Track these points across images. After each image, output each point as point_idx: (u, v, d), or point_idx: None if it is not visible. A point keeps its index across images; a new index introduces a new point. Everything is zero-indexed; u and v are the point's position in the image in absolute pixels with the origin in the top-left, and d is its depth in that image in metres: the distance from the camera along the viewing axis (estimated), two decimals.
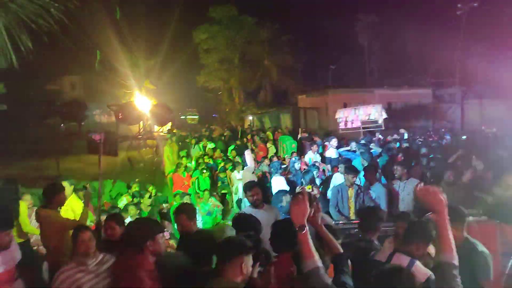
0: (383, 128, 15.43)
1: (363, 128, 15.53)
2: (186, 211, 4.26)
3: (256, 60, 34.67)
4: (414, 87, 26.65)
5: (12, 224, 4.22)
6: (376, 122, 15.35)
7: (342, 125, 16.45)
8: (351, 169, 7.40)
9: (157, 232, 3.27)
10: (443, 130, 17.76)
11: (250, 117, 33.17)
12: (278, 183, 9.22)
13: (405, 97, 25.68)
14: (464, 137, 16.18)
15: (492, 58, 24.46)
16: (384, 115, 15.29)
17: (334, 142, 12.88)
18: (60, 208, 5.46)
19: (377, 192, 7.10)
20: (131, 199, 9.13)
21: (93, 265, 3.84)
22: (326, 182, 9.35)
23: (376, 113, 15.42)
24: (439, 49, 27.97)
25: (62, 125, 4.74)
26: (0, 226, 3.99)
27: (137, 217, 7.31)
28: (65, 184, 6.84)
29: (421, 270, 3.08)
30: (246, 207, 6.07)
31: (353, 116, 16.00)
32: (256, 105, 35.00)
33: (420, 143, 13.28)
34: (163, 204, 9.28)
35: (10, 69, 9.24)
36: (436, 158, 10.34)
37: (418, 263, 3.17)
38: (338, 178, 8.60)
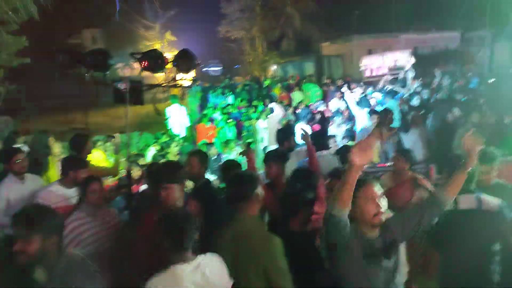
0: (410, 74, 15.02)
1: (390, 75, 15.14)
2: (199, 155, 4.41)
3: (278, 7, 33.71)
4: (442, 31, 25.62)
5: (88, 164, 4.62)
6: (403, 68, 14.91)
7: (367, 73, 16.08)
8: (372, 111, 7.43)
9: (169, 182, 3.32)
10: (470, 74, 17.10)
11: (274, 67, 32.69)
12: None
13: (432, 41, 24.77)
14: (491, 80, 15.62)
15: None
16: (412, 61, 14.84)
17: (358, 90, 12.69)
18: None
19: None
20: (159, 149, 9.27)
21: (102, 215, 3.99)
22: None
23: (403, 59, 14.98)
24: None
25: (86, 74, 4.70)
26: (78, 165, 4.41)
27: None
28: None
29: None
30: None
31: (380, 63, 15.58)
32: (279, 54, 34.36)
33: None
34: None
35: (31, 22, 9.24)
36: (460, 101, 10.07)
37: None
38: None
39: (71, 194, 4.28)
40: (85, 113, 14.27)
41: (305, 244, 3.12)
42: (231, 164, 4.46)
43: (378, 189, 2.68)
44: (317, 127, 9.62)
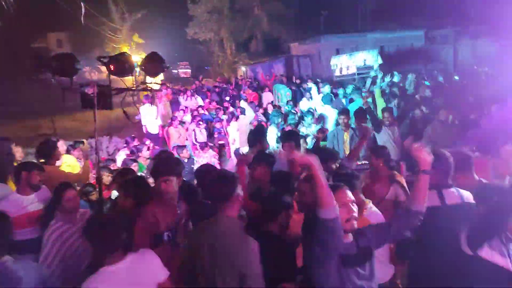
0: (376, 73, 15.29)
1: (359, 74, 15.37)
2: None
3: (246, 9, 33.77)
4: (407, 30, 26.17)
5: (42, 167, 4.49)
6: (371, 67, 15.13)
7: (337, 72, 16.26)
8: (342, 111, 7.51)
9: (169, 174, 3.47)
10: (435, 71, 17.60)
11: (243, 68, 32.74)
12: (273, 133, 9.26)
13: (398, 40, 25.31)
14: (456, 77, 16.09)
15: None
16: (380, 61, 15.09)
17: (326, 88, 12.81)
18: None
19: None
20: (129, 153, 9.14)
21: (78, 221, 3.98)
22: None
23: (371, 58, 15.21)
24: None
25: (53, 80, 4.54)
26: (30, 166, 4.36)
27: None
28: (60, 143, 6.89)
29: None
30: None
31: (348, 62, 15.78)
32: (248, 55, 34.42)
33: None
34: None
35: None
36: (428, 99, 10.31)
37: None
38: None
39: (30, 201, 4.26)
40: (52, 118, 13.94)
41: (282, 248, 3.12)
42: (207, 169, 4.41)
43: (350, 194, 2.71)
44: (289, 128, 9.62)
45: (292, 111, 10.91)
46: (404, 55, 24.14)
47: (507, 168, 5.29)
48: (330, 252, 2.56)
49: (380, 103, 9.20)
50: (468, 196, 3.42)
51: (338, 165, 4.28)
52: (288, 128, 9.36)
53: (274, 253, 2.92)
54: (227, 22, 34.03)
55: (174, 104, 15.18)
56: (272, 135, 9.06)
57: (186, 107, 14.23)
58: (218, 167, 9.33)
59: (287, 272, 3.05)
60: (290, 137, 5.09)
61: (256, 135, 5.48)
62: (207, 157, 9.74)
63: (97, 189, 5.22)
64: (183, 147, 9.28)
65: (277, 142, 8.34)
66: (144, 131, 12.54)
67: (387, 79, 12.37)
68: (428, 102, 9.42)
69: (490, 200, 2.92)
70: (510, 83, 12.65)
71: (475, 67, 18.50)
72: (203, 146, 10.14)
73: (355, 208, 2.67)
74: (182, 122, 12.02)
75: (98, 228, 2.71)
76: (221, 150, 11.08)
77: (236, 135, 10.89)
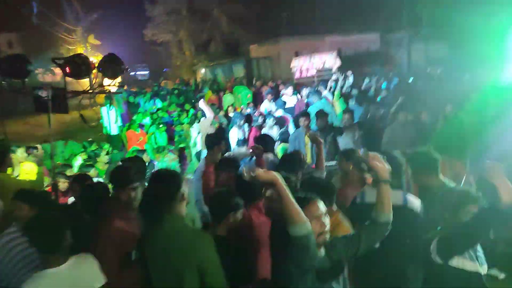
0: (337, 75, 15.49)
1: (318, 76, 15.52)
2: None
3: (205, 10, 33.57)
4: (363, 33, 26.74)
5: None
6: (330, 70, 15.31)
7: (297, 74, 16.37)
8: (302, 113, 7.56)
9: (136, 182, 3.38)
10: (391, 73, 18.07)
11: (203, 70, 32.50)
12: (235, 135, 9.18)
13: (355, 43, 25.80)
14: (411, 79, 16.57)
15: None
16: (338, 63, 15.28)
17: (289, 90, 12.86)
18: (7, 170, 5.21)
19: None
20: (86, 158, 8.84)
21: None
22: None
23: (330, 60, 15.38)
24: None
25: (3, 82, 4.28)
26: None
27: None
28: (20, 150, 6.60)
29: None
30: None
31: (308, 64, 15.92)
32: (207, 57, 34.22)
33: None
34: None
35: None
36: (387, 99, 10.52)
37: None
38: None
39: None
40: (3, 122, 13.32)
41: (230, 253, 3.04)
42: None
43: (322, 206, 2.62)
44: (254, 130, 9.50)
45: (256, 113, 10.88)
46: (360, 58, 24.64)
47: (464, 168, 5.47)
48: (305, 269, 2.47)
49: (339, 105, 9.31)
50: (414, 201, 3.43)
51: (307, 175, 4.22)
52: (253, 130, 9.28)
53: (222, 258, 2.81)
54: (186, 23, 33.73)
55: (133, 106, 14.88)
56: (234, 138, 9.00)
57: (145, 110, 13.97)
58: (179, 170, 9.18)
59: (239, 279, 2.99)
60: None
61: (214, 139, 5.37)
62: (167, 161, 9.57)
63: (53, 196, 5.00)
64: (143, 151, 9.05)
65: (238, 145, 8.28)
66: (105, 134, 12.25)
67: (348, 81, 12.53)
68: (388, 104, 9.59)
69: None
70: (461, 85, 13.17)
71: (428, 70, 19.11)
72: (162, 149, 9.97)
73: (327, 221, 2.59)
74: (141, 125, 11.77)
75: (38, 228, 2.71)
76: (181, 154, 10.91)
77: (198, 138, 10.75)
